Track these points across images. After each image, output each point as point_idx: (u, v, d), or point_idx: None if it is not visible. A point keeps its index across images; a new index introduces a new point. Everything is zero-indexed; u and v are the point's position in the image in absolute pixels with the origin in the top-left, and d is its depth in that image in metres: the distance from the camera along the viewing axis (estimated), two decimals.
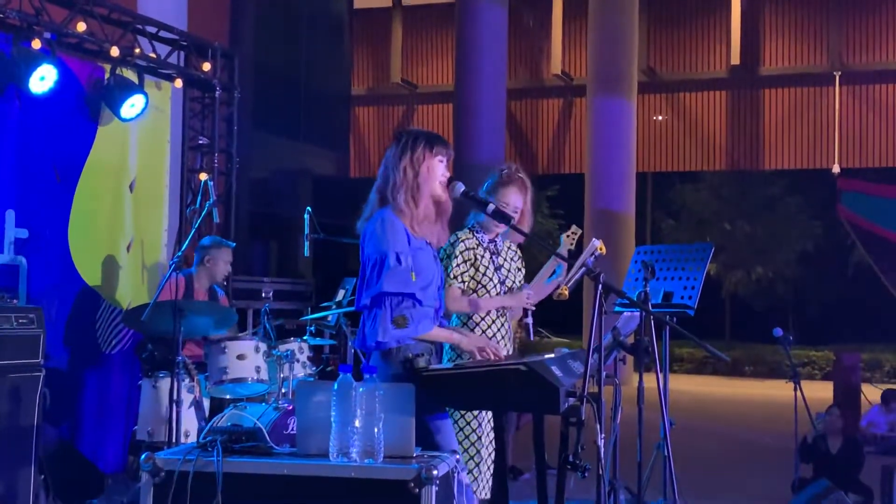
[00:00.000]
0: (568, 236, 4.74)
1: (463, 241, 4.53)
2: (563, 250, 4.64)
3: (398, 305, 3.66)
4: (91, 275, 6.81)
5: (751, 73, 21.74)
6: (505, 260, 4.69)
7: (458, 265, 4.50)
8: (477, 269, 4.54)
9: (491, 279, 4.56)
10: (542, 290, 4.75)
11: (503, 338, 4.61)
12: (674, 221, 30.18)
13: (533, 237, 4.49)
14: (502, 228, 4.57)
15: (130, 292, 7.14)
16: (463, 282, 4.52)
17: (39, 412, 5.41)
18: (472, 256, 4.53)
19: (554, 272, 4.74)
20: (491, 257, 4.59)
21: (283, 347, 5.93)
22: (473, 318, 4.56)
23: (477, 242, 4.57)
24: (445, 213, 3.83)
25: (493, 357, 3.86)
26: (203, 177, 7.72)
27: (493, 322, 4.58)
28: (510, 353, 4.61)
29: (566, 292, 4.32)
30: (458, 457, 3.43)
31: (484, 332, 4.53)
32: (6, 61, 6.06)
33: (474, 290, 4.54)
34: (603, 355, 3.80)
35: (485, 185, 4.65)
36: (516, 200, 4.59)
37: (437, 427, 3.65)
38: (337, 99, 18.75)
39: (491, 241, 4.65)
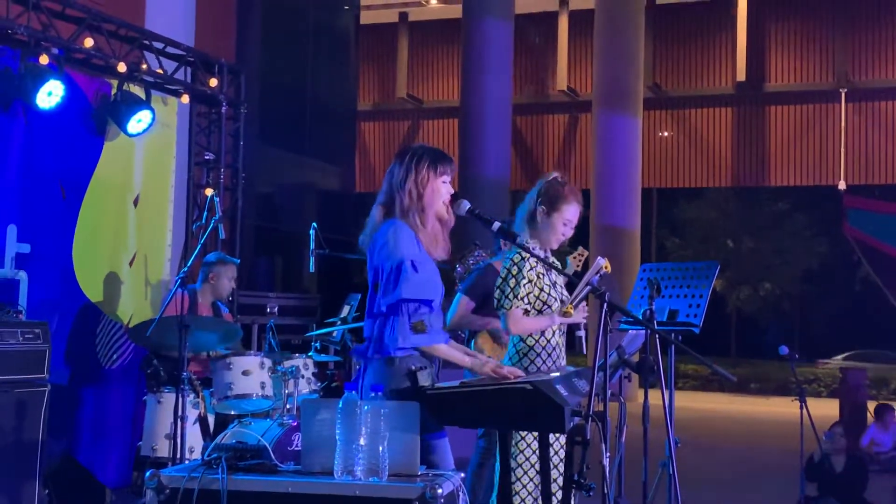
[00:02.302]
0: (574, 258, 4.72)
1: (527, 259, 4.40)
2: (570, 271, 4.60)
3: (415, 312, 3.65)
4: (93, 290, 6.81)
5: (756, 90, 21.76)
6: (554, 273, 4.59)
7: (525, 285, 4.38)
8: (542, 290, 4.43)
9: (555, 298, 4.46)
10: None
11: (560, 353, 4.49)
12: (679, 240, 30.16)
13: (541, 256, 4.46)
14: (564, 238, 4.51)
15: (132, 307, 7.12)
16: (529, 303, 4.41)
17: (44, 427, 5.41)
18: (536, 276, 4.43)
19: None
20: (547, 273, 4.49)
21: (287, 363, 5.90)
22: (533, 335, 4.47)
23: (536, 260, 4.43)
24: (448, 226, 3.84)
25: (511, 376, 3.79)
26: (209, 192, 7.73)
27: (550, 339, 4.47)
28: (563, 365, 4.48)
29: (572, 311, 4.31)
30: (461, 475, 3.42)
31: (544, 348, 4.44)
32: (14, 77, 6.08)
33: (539, 311, 4.43)
34: (608, 373, 3.78)
35: (542, 199, 4.53)
36: (576, 216, 4.55)
37: (434, 446, 3.63)
38: (343, 114, 18.74)
39: (546, 255, 4.55)
